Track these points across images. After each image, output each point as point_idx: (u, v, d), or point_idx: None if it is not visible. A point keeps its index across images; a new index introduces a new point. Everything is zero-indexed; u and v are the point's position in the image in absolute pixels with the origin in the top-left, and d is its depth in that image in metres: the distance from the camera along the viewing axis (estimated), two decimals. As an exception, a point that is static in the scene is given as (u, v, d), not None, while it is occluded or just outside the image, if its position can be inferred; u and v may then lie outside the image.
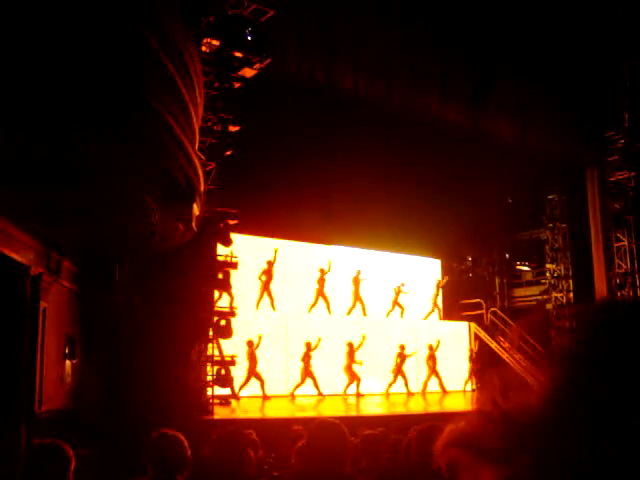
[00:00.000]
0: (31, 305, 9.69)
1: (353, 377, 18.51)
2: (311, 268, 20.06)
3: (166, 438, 3.72)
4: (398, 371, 19.62)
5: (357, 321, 20.30)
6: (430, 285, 23.02)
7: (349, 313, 19.96)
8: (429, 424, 3.79)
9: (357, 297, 20.30)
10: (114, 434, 10.65)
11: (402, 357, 19.63)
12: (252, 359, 16.71)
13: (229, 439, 4.02)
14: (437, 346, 20.61)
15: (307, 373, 17.74)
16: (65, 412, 10.78)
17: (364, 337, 18.69)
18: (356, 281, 20.35)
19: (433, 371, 20.53)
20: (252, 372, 16.67)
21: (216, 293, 14.48)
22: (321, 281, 19.85)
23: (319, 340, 17.91)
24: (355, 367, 18.54)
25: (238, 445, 4.00)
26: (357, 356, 18.70)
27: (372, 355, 19.43)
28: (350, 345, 18.56)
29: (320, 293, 19.79)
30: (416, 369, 20.48)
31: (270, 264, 18.59)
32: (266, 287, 18.63)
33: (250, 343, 16.78)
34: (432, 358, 20.53)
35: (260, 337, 16.74)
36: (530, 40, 17.94)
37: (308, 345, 17.81)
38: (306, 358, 17.75)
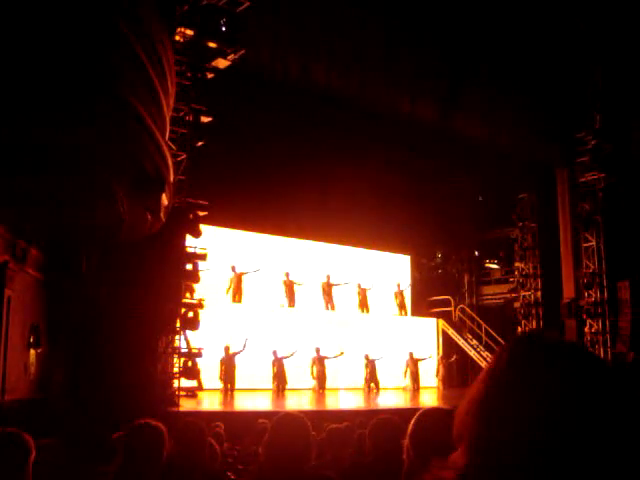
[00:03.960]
0: (-5, 293, 9.55)
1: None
2: (279, 261, 20.09)
3: (146, 429, 3.65)
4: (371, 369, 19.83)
5: (327, 317, 20.38)
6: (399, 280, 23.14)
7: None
8: (383, 418, 3.78)
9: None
10: (79, 424, 10.54)
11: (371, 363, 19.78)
12: (230, 364, 16.79)
13: (190, 431, 3.99)
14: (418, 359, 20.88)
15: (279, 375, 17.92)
16: (29, 401, 10.66)
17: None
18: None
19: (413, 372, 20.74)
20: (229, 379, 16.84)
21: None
22: (289, 281, 19.95)
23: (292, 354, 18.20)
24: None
25: (200, 437, 3.96)
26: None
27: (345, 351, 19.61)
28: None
29: (289, 288, 19.91)
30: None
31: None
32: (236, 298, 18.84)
33: (227, 348, 16.84)
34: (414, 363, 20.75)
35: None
36: (502, 40, 18.01)
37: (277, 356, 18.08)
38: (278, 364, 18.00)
